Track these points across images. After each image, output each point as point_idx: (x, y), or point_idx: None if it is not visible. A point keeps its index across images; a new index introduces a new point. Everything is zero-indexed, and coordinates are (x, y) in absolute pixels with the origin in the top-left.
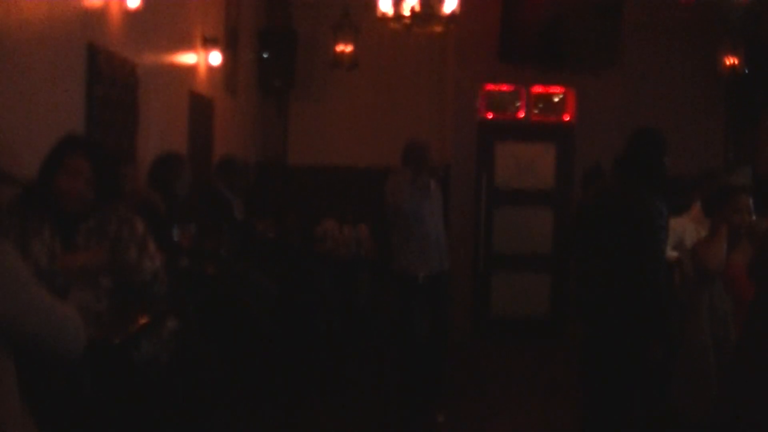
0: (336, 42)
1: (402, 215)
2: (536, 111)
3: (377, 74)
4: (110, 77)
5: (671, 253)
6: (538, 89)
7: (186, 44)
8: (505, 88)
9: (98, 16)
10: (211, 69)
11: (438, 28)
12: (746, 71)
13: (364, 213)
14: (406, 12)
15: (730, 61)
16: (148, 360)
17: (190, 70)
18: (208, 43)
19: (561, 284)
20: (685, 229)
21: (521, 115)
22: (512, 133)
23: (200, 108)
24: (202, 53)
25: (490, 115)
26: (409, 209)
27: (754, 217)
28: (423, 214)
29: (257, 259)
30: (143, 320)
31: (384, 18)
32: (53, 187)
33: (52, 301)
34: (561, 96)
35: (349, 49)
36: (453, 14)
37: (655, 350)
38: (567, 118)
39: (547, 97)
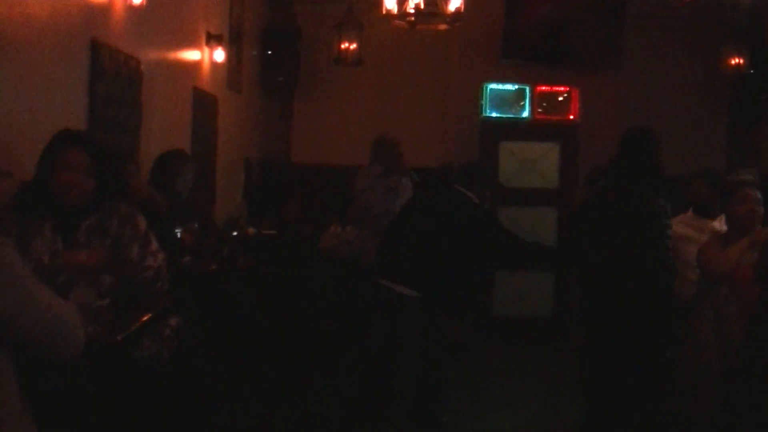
0: (340, 39)
1: (372, 214)
2: (540, 110)
3: (381, 72)
4: (114, 73)
5: None
6: (542, 88)
7: (190, 41)
8: (509, 86)
9: (102, 12)
10: (215, 66)
11: (442, 26)
12: (751, 71)
13: None
14: (411, 9)
15: (735, 60)
16: (150, 357)
17: (194, 66)
18: (212, 39)
19: (564, 284)
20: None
21: (525, 114)
22: (516, 132)
23: (204, 105)
24: (206, 50)
25: (493, 114)
26: (380, 208)
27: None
28: (394, 213)
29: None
30: (145, 318)
31: (388, 15)
32: (52, 182)
33: (49, 301)
34: (565, 95)
35: (352, 46)
36: (457, 12)
37: (663, 351)
38: (571, 117)
39: (551, 96)
